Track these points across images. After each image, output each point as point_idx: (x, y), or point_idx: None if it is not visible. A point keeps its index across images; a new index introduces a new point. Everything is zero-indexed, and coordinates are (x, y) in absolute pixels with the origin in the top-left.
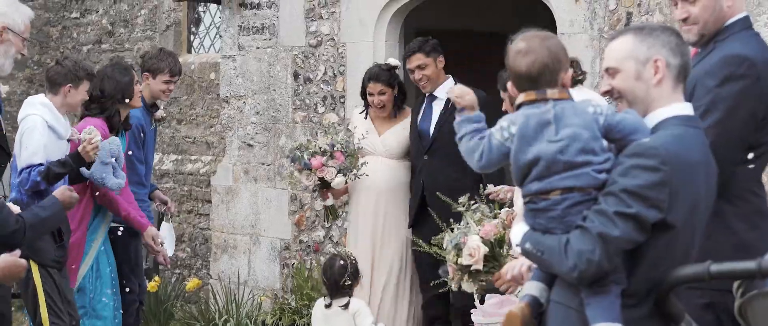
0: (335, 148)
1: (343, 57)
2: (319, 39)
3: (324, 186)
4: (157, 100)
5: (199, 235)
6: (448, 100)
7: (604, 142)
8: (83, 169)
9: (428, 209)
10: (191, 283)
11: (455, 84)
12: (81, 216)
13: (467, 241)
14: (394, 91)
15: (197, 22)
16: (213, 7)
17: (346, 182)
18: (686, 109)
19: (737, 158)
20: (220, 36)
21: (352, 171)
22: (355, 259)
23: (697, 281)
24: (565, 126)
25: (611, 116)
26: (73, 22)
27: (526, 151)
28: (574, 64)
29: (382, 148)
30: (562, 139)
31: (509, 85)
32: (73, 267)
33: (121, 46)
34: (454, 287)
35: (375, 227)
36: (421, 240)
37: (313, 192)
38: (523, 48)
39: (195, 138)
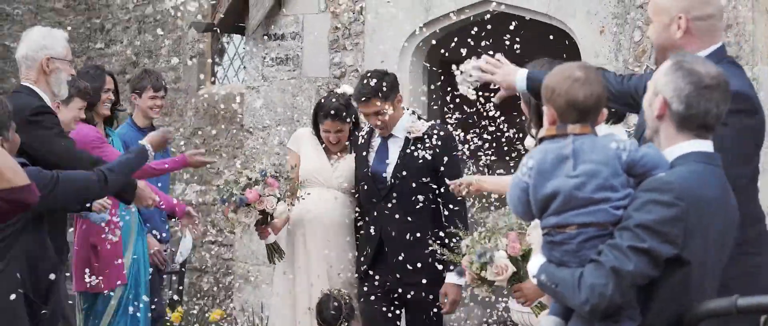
0: (265, 175)
1: None
2: (343, 70)
3: (263, 221)
4: (152, 120)
5: (222, 266)
6: (406, 139)
7: (625, 178)
8: None
9: (383, 256)
10: (214, 314)
11: (414, 116)
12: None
13: (494, 257)
14: (351, 125)
15: (221, 52)
16: (237, 37)
17: (288, 209)
18: (705, 146)
19: None
20: (245, 67)
21: (292, 195)
22: (349, 298)
23: (724, 315)
24: (583, 162)
25: (634, 152)
26: (98, 53)
27: (544, 185)
28: None
29: (334, 180)
30: (579, 175)
31: (546, 109)
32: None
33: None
34: (465, 285)
35: (325, 263)
36: (438, 245)
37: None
38: (582, 77)
39: (218, 168)
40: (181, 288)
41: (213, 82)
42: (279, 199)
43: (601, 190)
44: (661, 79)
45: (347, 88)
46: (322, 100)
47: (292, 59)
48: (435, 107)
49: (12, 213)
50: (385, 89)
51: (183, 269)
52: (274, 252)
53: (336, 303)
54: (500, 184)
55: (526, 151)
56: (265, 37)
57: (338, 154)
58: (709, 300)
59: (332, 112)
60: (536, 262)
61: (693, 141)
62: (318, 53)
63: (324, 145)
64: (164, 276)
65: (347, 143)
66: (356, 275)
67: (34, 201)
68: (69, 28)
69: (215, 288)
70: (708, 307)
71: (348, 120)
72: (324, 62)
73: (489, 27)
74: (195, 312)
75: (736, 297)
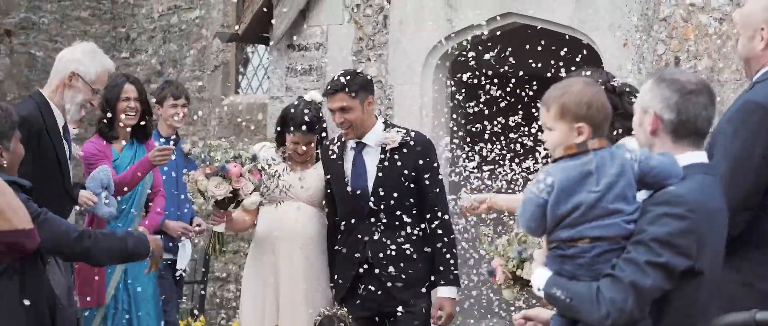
0: (256, 160)
1: (390, 99)
2: None
3: (223, 205)
4: (177, 130)
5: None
6: (383, 149)
7: (635, 189)
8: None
9: (369, 274)
10: (236, 324)
11: (387, 128)
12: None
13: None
14: (319, 136)
15: (245, 62)
16: (261, 48)
17: (260, 204)
18: (703, 157)
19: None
20: (269, 77)
21: (270, 194)
22: (349, 321)
23: None
24: (605, 175)
25: (645, 162)
26: (123, 62)
27: (567, 201)
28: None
29: (303, 193)
30: (601, 189)
31: (578, 125)
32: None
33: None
34: (496, 285)
35: (297, 284)
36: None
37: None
38: (601, 89)
39: None
40: (184, 297)
41: (237, 92)
42: (255, 190)
43: (618, 201)
44: (646, 96)
45: (316, 95)
46: (292, 110)
47: (316, 70)
48: (458, 119)
49: (5, 256)
50: (354, 85)
51: (182, 277)
52: (217, 243)
53: (342, 324)
54: (513, 202)
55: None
56: (289, 48)
57: (302, 165)
58: (727, 314)
59: (303, 124)
60: (542, 275)
61: (692, 152)
62: (342, 64)
63: (285, 155)
64: (185, 285)
65: (316, 153)
66: (336, 295)
67: (33, 247)
68: (94, 37)
69: (237, 299)
70: (726, 321)
71: (318, 131)
72: None
73: (512, 39)
74: (217, 322)
75: (755, 310)
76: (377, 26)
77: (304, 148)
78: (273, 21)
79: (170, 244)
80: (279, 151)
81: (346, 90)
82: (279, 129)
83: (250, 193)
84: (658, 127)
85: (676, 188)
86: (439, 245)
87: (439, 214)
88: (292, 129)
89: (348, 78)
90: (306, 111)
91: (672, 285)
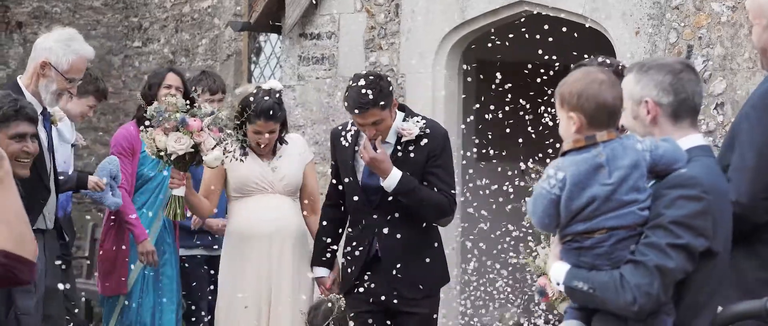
0: (214, 116)
1: (402, 88)
2: (379, 69)
3: (183, 166)
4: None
5: None
6: (398, 140)
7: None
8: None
9: (375, 269)
10: None
11: (406, 118)
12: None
13: None
14: (281, 124)
15: (258, 51)
16: (274, 37)
17: (222, 163)
18: (701, 139)
19: None
20: (281, 66)
21: (231, 152)
22: (343, 307)
23: (753, 317)
24: (617, 168)
25: (655, 151)
26: (135, 51)
27: (581, 195)
28: None
29: (278, 184)
30: (615, 182)
31: (572, 114)
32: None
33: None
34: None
35: (289, 277)
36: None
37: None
38: (607, 80)
39: None
40: None
41: (249, 81)
42: (217, 145)
43: (632, 192)
44: (635, 87)
45: (275, 84)
46: (252, 98)
47: (328, 58)
48: (469, 107)
49: None
50: (382, 97)
51: None
52: (176, 206)
53: (329, 305)
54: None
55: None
56: (301, 37)
57: (267, 156)
58: (738, 303)
59: (267, 111)
60: (560, 269)
61: (692, 135)
62: (354, 53)
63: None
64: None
65: (278, 144)
66: (342, 287)
67: (26, 282)
68: (106, 26)
69: None
70: (737, 309)
71: (282, 119)
72: (359, 62)
73: (524, 28)
74: None
75: (766, 299)
76: (389, 15)
77: (267, 136)
78: (285, 10)
79: (209, 238)
80: (237, 143)
81: (378, 105)
82: (239, 120)
83: (212, 148)
84: (657, 114)
85: (687, 170)
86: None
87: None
88: (254, 117)
89: (374, 90)
90: (266, 98)
91: (693, 267)
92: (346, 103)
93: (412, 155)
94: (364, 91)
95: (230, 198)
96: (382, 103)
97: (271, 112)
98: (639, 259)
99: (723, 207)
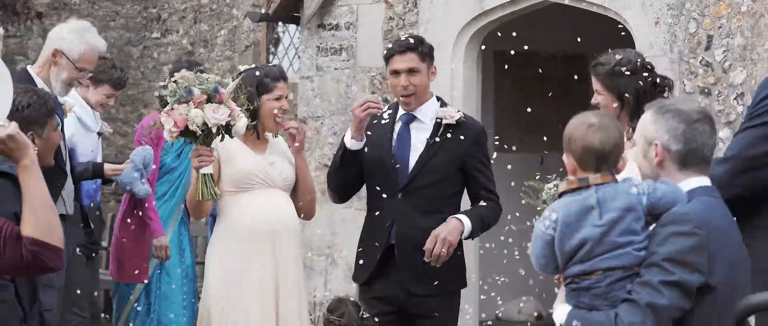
0: (240, 85)
1: None
2: None
3: (209, 141)
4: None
5: None
6: (436, 125)
7: (644, 220)
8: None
9: (392, 260)
10: None
11: (443, 105)
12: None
13: None
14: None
15: (276, 42)
16: (292, 27)
17: (247, 128)
18: (707, 182)
19: None
20: (299, 56)
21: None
22: (363, 309)
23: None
24: (608, 210)
25: (652, 194)
26: (154, 42)
27: (573, 236)
28: (660, 78)
29: (277, 177)
30: (605, 224)
31: (566, 158)
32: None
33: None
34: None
35: (281, 275)
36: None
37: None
38: (597, 123)
39: None
40: None
41: None
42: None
43: (625, 234)
44: (650, 128)
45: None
46: (257, 73)
47: (346, 49)
48: (488, 98)
49: (8, 271)
50: (424, 48)
51: None
52: (206, 186)
53: (353, 307)
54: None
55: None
56: (320, 27)
57: (260, 148)
58: (752, 295)
59: (283, 72)
60: (563, 311)
61: (696, 178)
62: (372, 43)
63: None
64: None
65: (268, 138)
66: (358, 277)
67: (55, 269)
68: (125, 17)
69: None
70: (752, 302)
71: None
72: (378, 52)
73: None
74: None
75: None
76: (407, 5)
77: (284, 101)
78: (303, 1)
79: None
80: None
81: (418, 50)
82: (250, 97)
83: (239, 117)
84: (664, 159)
85: (679, 207)
86: (482, 203)
87: (491, 194)
88: (272, 81)
89: (417, 39)
90: (273, 66)
91: (690, 304)
92: (386, 50)
93: (449, 142)
94: (406, 37)
95: (224, 194)
96: (423, 50)
97: (284, 74)
98: (632, 298)
99: (723, 241)
